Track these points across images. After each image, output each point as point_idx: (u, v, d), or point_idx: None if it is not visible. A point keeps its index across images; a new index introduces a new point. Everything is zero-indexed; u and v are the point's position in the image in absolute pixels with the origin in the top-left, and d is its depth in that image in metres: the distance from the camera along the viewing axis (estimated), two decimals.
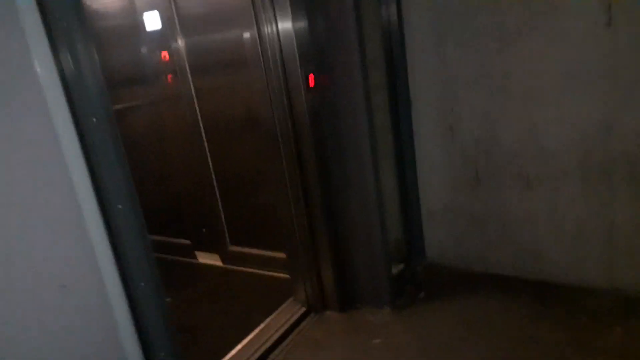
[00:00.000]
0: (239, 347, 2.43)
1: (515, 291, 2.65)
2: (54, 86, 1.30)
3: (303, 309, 2.68)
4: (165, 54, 3.20)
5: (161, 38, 3.16)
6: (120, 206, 1.44)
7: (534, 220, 2.65)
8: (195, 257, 3.62)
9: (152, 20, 3.15)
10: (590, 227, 2.50)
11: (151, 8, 3.13)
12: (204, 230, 3.50)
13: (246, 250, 3.36)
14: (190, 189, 3.46)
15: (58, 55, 1.31)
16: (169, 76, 3.22)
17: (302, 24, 2.30)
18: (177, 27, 3.07)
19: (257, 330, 2.54)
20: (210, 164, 3.31)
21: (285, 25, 2.29)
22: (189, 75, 3.14)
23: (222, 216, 3.40)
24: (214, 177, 3.34)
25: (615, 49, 2.20)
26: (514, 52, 2.43)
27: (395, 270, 2.85)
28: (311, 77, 2.38)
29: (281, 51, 2.34)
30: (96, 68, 1.40)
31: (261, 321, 2.61)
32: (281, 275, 3.10)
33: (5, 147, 1.23)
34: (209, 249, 3.53)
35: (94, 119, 1.37)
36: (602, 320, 2.30)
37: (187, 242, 3.62)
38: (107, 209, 1.42)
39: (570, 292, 2.56)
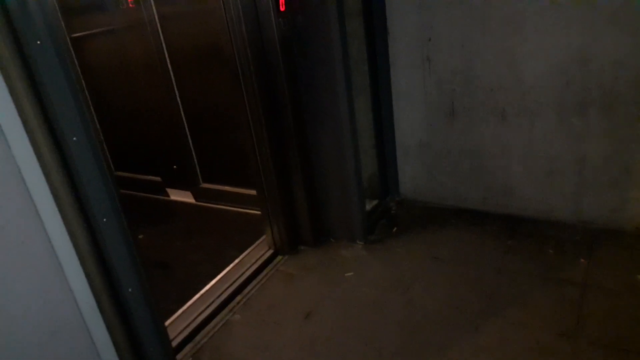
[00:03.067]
0: (213, 281, 2.42)
1: (486, 225, 2.69)
2: None
3: (277, 244, 2.67)
4: None
5: None
6: (75, 138, 1.34)
7: (508, 156, 2.64)
8: (167, 194, 3.55)
9: None
10: (562, 162, 2.51)
11: None
12: (175, 167, 3.40)
13: (219, 187, 3.30)
14: (159, 124, 3.33)
15: None
16: (130, 1, 2.99)
17: None
18: None
19: (231, 266, 2.54)
20: (178, 98, 3.17)
21: None
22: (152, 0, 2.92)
23: (193, 153, 3.30)
24: (182, 111, 3.20)
25: None
26: None
27: (369, 205, 2.85)
28: (281, 0, 2.22)
29: None
30: None
31: (235, 257, 2.61)
32: (255, 212, 3.06)
33: None
34: (180, 186, 3.46)
35: (38, 42, 1.24)
36: (568, 253, 2.37)
37: (158, 179, 3.53)
38: (61, 141, 1.32)
39: (539, 226, 2.61)
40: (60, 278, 1.37)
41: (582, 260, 2.30)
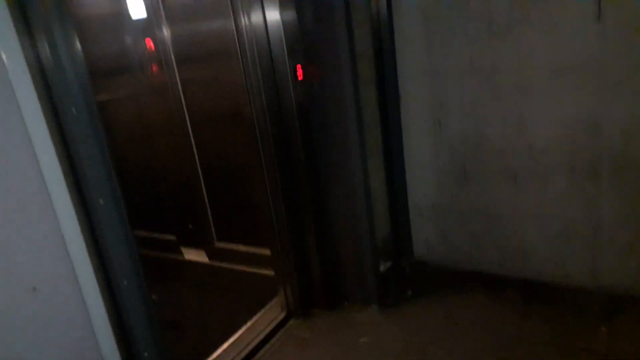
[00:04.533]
0: (225, 345, 2.39)
1: (501, 289, 2.65)
2: (22, 75, 1.24)
3: (290, 307, 2.64)
4: (150, 44, 3.13)
5: (146, 27, 3.08)
6: (102, 201, 1.39)
7: (521, 218, 2.65)
8: (181, 253, 3.56)
9: (137, 9, 3.07)
10: (576, 225, 2.50)
11: None
12: (190, 226, 3.44)
13: (233, 246, 3.32)
14: (176, 183, 3.40)
15: (35, 42, 1.25)
16: (154, 66, 3.15)
17: (291, 14, 2.25)
18: (163, 16, 3.00)
19: (244, 328, 2.51)
20: (197, 158, 3.26)
21: (273, 15, 2.24)
22: (175, 66, 3.08)
23: (209, 211, 3.35)
24: (200, 171, 3.28)
25: (603, 43, 2.19)
26: (503, 45, 2.41)
27: (382, 267, 2.83)
28: (299, 69, 2.34)
29: (269, 42, 2.29)
30: (76, 56, 1.34)
31: (248, 319, 2.58)
32: (268, 272, 3.05)
33: None
34: (195, 245, 3.48)
35: (73, 109, 1.32)
36: (587, 320, 2.31)
37: (173, 237, 3.56)
38: (89, 204, 1.37)
39: (555, 291, 2.56)
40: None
41: (602, 328, 2.24)
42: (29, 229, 1.27)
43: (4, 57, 1.21)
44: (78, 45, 1.35)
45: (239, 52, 2.31)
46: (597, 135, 2.32)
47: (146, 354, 1.51)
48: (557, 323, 2.31)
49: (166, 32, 3.02)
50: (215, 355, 2.33)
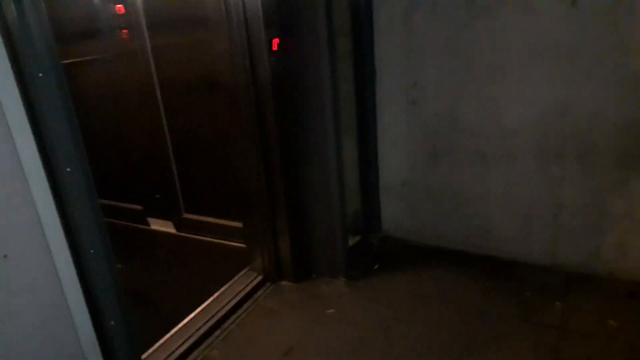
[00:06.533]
0: (192, 314, 2.39)
1: (466, 265, 2.74)
2: None
3: (259, 279, 2.66)
4: (120, 8, 3.00)
5: None
6: (69, 169, 1.35)
7: (487, 197, 2.72)
8: (147, 224, 3.51)
9: None
10: (539, 206, 2.59)
11: None
12: (157, 196, 3.39)
13: (202, 218, 3.28)
14: (144, 152, 3.32)
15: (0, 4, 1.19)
16: (124, 32, 3.03)
17: None
18: None
19: (211, 299, 2.51)
20: (166, 126, 3.18)
21: None
22: (145, 32, 2.97)
23: (177, 182, 3.30)
24: (169, 140, 3.21)
25: (577, 29, 2.24)
26: (480, 26, 2.43)
27: (351, 241, 2.87)
28: (275, 40, 2.29)
29: (244, 10, 2.24)
30: (43, 18, 1.28)
31: (216, 290, 2.58)
32: (237, 244, 3.06)
33: None
34: (162, 215, 3.43)
35: (40, 74, 1.26)
36: (544, 296, 2.42)
37: (139, 207, 3.50)
38: (55, 172, 1.32)
39: (517, 268, 2.67)
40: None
41: (557, 303, 2.35)
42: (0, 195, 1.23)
43: None
44: (44, 8, 1.29)
45: (225, 20, 2.24)
46: (565, 119, 2.39)
47: (112, 322, 1.50)
48: (517, 298, 2.41)
49: None
50: (181, 324, 2.33)
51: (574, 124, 2.37)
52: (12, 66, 1.21)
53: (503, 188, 2.65)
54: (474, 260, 2.77)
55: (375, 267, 2.80)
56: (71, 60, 3.24)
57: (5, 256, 1.22)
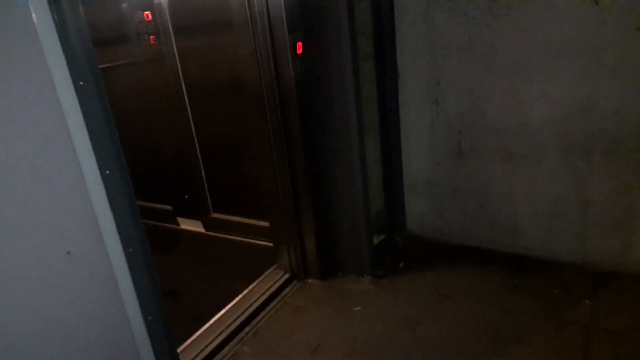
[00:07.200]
0: (222, 311, 2.46)
1: (492, 263, 2.74)
2: (54, 46, 1.26)
3: (286, 276, 2.72)
4: (147, 14, 3.09)
5: None
6: (108, 172, 1.42)
7: (513, 195, 2.72)
8: (177, 223, 3.61)
9: None
10: (566, 203, 2.58)
11: None
12: (186, 197, 3.48)
13: (229, 217, 3.36)
14: (172, 154, 3.42)
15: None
16: (152, 37, 3.12)
17: None
18: None
19: (241, 296, 2.58)
20: (193, 128, 3.27)
21: None
22: (172, 37, 3.06)
23: (205, 183, 3.38)
24: (196, 142, 3.30)
25: (600, 26, 2.22)
26: (502, 25, 2.43)
27: (376, 240, 2.90)
28: (299, 44, 2.34)
29: (269, 13, 2.29)
30: (83, 27, 1.35)
31: (244, 287, 2.65)
32: (264, 243, 3.12)
33: (9, 116, 1.21)
34: (191, 215, 3.52)
35: (81, 82, 1.33)
36: (572, 294, 2.41)
37: (169, 207, 3.60)
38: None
39: (543, 266, 2.66)
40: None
41: (586, 301, 2.34)
42: (64, 195, 1.33)
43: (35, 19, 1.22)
44: (83, 17, 1.36)
45: (249, 24, 2.30)
46: (590, 116, 2.37)
47: (150, 317, 1.57)
48: (544, 297, 2.41)
49: (164, 1, 2.99)
50: (212, 321, 2.40)
51: (600, 121, 2.35)
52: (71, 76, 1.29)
53: (529, 185, 2.65)
54: (500, 258, 2.77)
55: (401, 265, 2.83)
56: (103, 66, 3.35)
57: (68, 252, 1.31)
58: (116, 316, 1.45)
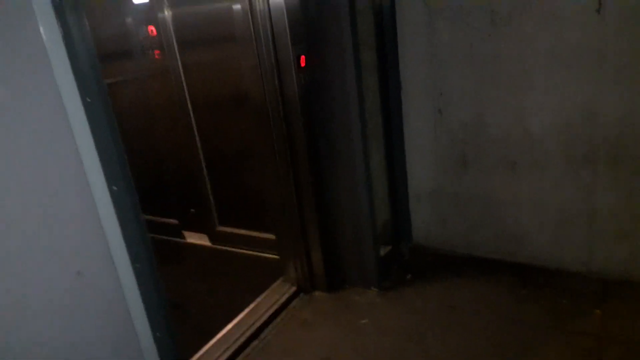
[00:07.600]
0: (230, 325, 2.45)
1: (498, 274, 2.72)
2: (62, 63, 1.27)
3: (292, 289, 2.71)
4: (152, 29, 3.13)
5: (149, 11, 3.08)
6: (115, 187, 1.43)
7: (518, 204, 2.70)
8: (183, 237, 3.61)
9: None
10: (572, 212, 2.56)
11: None
12: (192, 210, 3.48)
13: (235, 230, 3.36)
14: (178, 167, 3.44)
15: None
16: (156, 52, 3.16)
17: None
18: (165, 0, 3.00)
19: (248, 309, 2.57)
20: (198, 142, 3.28)
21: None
22: (177, 51, 3.09)
23: (210, 196, 3.39)
24: (201, 156, 3.31)
25: (603, 35, 2.23)
26: (504, 35, 2.44)
27: (382, 252, 2.89)
28: (302, 57, 2.36)
29: (272, 27, 2.31)
30: (89, 43, 1.36)
31: (251, 300, 2.64)
32: (270, 255, 3.12)
33: (22, 136, 1.22)
34: (197, 229, 3.53)
35: (88, 99, 1.34)
36: (581, 303, 2.39)
37: (175, 221, 3.61)
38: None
39: (550, 275, 2.64)
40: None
41: (597, 311, 2.32)
42: (74, 214, 1.34)
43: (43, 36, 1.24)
44: (89, 34, 1.37)
45: (253, 36, 2.32)
46: (593, 124, 2.37)
47: (158, 333, 1.57)
48: (553, 307, 2.39)
49: (168, 16, 3.02)
50: (219, 335, 2.40)
51: (604, 129, 2.35)
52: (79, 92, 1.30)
53: (534, 195, 2.64)
54: (507, 268, 2.75)
55: (408, 277, 2.81)
56: (109, 81, 3.38)
57: (78, 272, 1.31)
58: (125, 333, 1.45)
